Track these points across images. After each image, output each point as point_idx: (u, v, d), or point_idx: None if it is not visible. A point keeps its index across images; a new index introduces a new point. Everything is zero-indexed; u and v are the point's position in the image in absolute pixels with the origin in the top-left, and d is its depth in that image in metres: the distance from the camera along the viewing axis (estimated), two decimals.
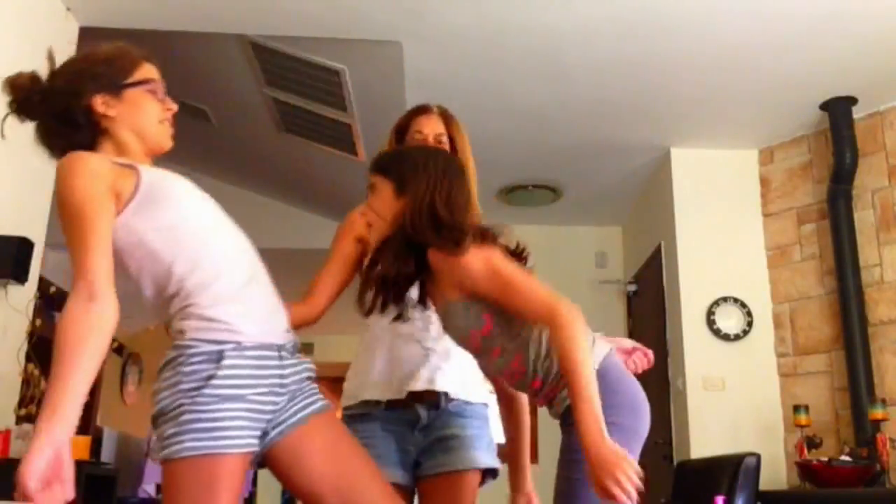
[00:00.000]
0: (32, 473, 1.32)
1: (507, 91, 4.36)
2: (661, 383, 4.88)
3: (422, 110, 2.24)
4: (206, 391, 1.49)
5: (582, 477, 1.54)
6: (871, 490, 3.76)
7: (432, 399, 2.00)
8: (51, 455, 1.34)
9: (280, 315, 1.68)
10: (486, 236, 1.68)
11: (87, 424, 4.64)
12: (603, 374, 1.60)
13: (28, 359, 3.09)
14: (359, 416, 2.05)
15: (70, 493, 1.37)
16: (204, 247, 1.61)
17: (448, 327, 1.80)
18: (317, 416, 1.65)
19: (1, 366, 3.01)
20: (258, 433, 1.56)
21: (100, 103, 1.69)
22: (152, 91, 1.74)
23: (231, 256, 1.65)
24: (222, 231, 1.68)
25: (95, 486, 3.03)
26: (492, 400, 2.08)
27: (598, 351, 1.67)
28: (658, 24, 3.72)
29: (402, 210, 1.73)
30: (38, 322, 3.17)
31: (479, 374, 2.07)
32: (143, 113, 1.72)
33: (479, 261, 1.65)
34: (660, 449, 4.76)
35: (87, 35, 3.67)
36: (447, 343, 2.01)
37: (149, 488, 4.27)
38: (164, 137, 1.76)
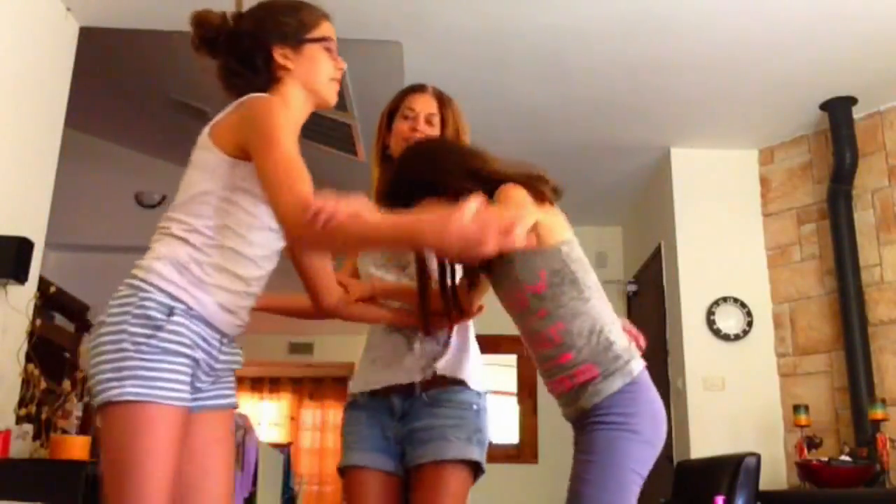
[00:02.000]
0: None
1: (507, 91, 4.36)
2: (661, 383, 4.86)
3: (415, 88, 2.20)
4: (153, 342, 1.50)
5: (594, 479, 1.58)
6: (871, 490, 3.76)
7: (404, 390, 1.97)
8: None
9: (244, 313, 1.68)
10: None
11: (86, 424, 4.64)
12: (636, 385, 1.67)
13: (28, 359, 3.09)
14: (349, 404, 2.07)
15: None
16: (255, 232, 1.62)
17: (501, 283, 1.82)
18: (220, 411, 1.68)
19: (1, 366, 3.01)
20: (190, 394, 1.56)
21: (280, 54, 1.73)
22: (328, 49, 1.78)
23: (258, 253, 1.65)
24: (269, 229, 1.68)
25: (95, 486, 3.03)
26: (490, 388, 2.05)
27: (634, 365, 1.70)
28: (658, 25, 3.73)
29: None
30: (38, 322, 3.17)
31: (470, 364, 2.03)
32: (317, 69, 1.76)
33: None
34: None
35: (87, 35, 3.67)
36: (435, 340, 2.00)
37: None
38: (331, 94, 1.80)
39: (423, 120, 2.13)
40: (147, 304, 1.52)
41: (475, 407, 1.97)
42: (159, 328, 1.51)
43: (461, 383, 1.98)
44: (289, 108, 1.66)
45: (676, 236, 4.89)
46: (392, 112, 2.20)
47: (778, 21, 3.69)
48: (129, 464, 1.47)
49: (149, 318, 1.51)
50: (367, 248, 1.49)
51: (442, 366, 1.98)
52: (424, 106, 2.15)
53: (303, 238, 1.47)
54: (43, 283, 3.45)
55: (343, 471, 2.01)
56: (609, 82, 4.24)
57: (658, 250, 5.22)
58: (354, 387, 2.07)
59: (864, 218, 4.34)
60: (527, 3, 3.57)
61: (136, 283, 1.55)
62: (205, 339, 1.59)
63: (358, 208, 1.39)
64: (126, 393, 1.47)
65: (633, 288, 5.77)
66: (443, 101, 2.17)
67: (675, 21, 3.70)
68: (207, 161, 1.63)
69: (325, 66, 1.77)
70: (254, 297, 1.69)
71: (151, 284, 1.54)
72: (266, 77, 1.74)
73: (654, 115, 4.61)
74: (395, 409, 1.97)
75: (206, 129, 1.66)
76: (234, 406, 1.74)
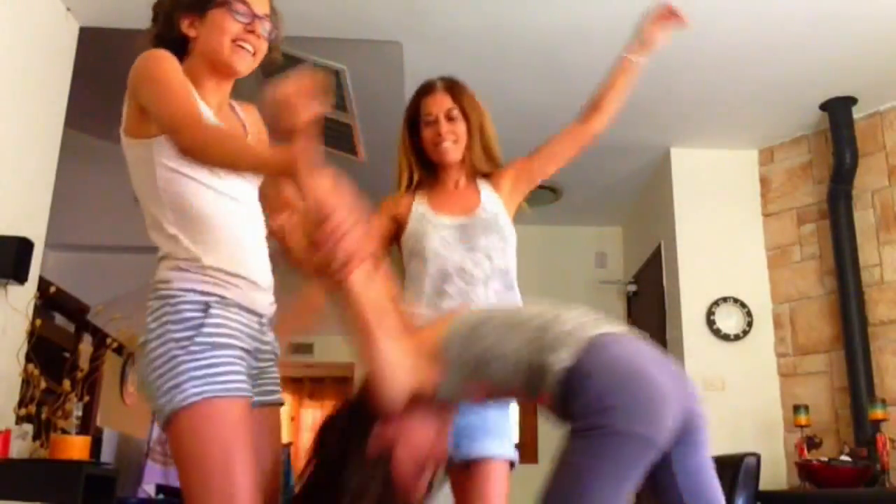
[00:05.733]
0: None
1: (507, 91, 4.35)
2: None
3: (425, 90, 2.21)
4: (199, 339, 1.48)
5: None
6: (870, 490, 3.76)
7: None
8: None
9: (267, 290, 1.68)
10: None
11: (87, 424, 4.64)
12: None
13: (28, 359, 3.08)
14: None
15: None
16: (218, 207, 1.61)
17: None
18: (267, 407, 1.67)
19: (1, 366, 3.01)
20: (249, 385, 1.56)
21: (186, 24, 1.69)
22: (235, 10, 1.68)
23: (238, 224, 1.64)
24: (241, 201, 1.67)
25: (95, 486, 3.02)
26: None
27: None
28: None
29: None
30: (38, 322, 3.17)
31: None
32: (218, 34, 1.68)
33: None
34: None
35: (87, 35, 3.67)
36: None
37: (149, 488, 4.26)
38: (235, 59, 1.69)
39: (444, 119, 2.16)
40: (182, 307, 1.51)
41: (510, 406, 2.07)
42: (201, 325, 1.50)
43: None
44: (158, 58, 1.60)
45: (676, 236, 4.89)
46: (412, 117, 2.21)
47: (778, 21, 3.69)
48: (211, 463, 1.44)
49: (188, 319, 1.50)
50: (235, 167, 1.51)
51: None
52: (440, 105, 2.17)
53: (191, 149, 1.46)
54: (43, 283, 3.45)
55: None
56: None
57: (658, 250, 5.22)
58: None
59: (864, 218, 4.34)
60: (527, 2, 3.57)
61: (164, 293, 1.54)
62: (247, 326, 1.58)
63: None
64: (189, 395, 1.46)
65: (633, 288, 5.77)
66: (455, 92, 2.19)
67: None
68: (133, 160, 1.63)
69: (228, 28, 1.68)
70: (265, 264, 1.68)
71: (178, 288, 1.53)
72: (183, 51, 1.69)
73: (654, 115, 4.61)
74: None
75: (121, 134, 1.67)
76: (280, 403, 1.71)
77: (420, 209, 2.17)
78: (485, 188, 2.21)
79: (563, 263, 5.99)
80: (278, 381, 1.72)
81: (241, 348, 1.55)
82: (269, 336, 1.68)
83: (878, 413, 3.85)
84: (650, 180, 5.40)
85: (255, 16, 1.71)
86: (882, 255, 4.26)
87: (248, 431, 1.49)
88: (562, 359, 1.40)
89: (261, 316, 1.63)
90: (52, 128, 3.53)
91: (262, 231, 1.71)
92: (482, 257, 2.07)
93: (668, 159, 5.02)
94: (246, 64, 1.71)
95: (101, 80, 4.96)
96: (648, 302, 5.42)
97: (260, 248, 1.68)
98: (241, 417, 1.49)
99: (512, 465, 2.05)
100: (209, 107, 1.66)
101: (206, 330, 1.50)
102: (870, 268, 4.27)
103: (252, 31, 1.70)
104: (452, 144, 2.17)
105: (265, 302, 1.65)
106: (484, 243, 2.08)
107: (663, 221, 5.12)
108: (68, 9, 3.56)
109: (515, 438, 6.27)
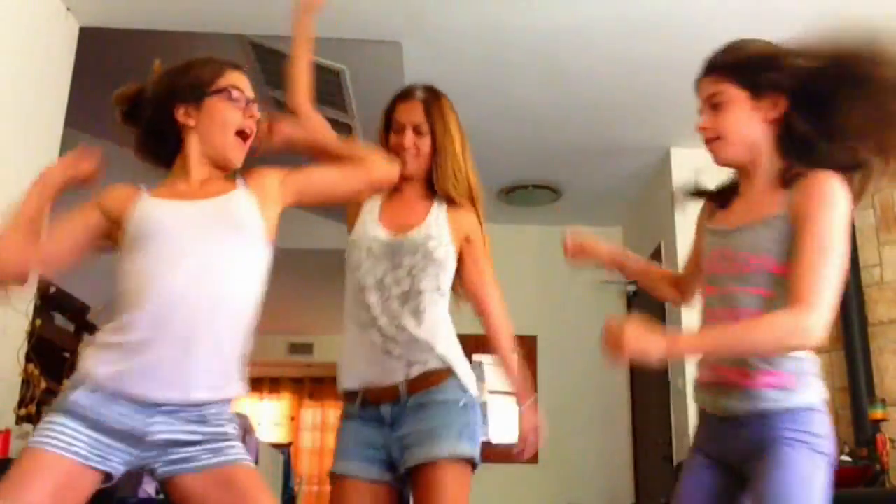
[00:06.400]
0: None
1: (507, 91, 4.36)
2: (661, 383, 4.86)
3: (403, 96, 2.17)
4: (54, 404, 1.62)
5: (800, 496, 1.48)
6: (870, 490, 3.76)
7: (389, 396, 1.98)
8: None
9: (182, 378, 1.61)
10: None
11: None
12: (824, 410, 1.62)
13: (28, 359, 3.09)
14: (342, 415, 2.10)
15: None
16: (142, 294, 1.68)
17: (738, 238, 1.65)
18: (211, 471, 1.63)
19: (1, 366, 3.01)
20: (98, 455, 1.57)
21: (182, 113, 1.69)
22: (231, 98, 1.70)
23: (157, 311, 1.63)
24: (173, 286, 1.65)
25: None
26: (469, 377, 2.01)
27: (821, 388, 1.66)
28: (658, 25, 3.73)
29: (764, 119, 1.55)
30: (38, 322, 3.17)
31: (447, 351, 2.00)
32: (221, 128, 1.69)
33: (833, 193, 1.50)
34: (660, 449, 4.74)
35: (87, 35, 3.67)
36: (405, 330, 1.99)
37: (149, 489, 4.26)
38: (233, 152, 1.71)
39: (412, 131, 2.12)
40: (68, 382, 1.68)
41: (462, 403, 1.96)
42: (63, 399, 1.62)
43: (446, 375, 1.97)
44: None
45: (676, 236, 4.89)
46: (388, 114, 2.19)
47: (777, 21, 3.68)
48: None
49: (63, 393, 1.64)
50: None
51: (422, 364, 1.97)
52: (410, 117, 2.13)
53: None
54: (43, 283, 3.45)
55: (331, 477, 2.03)
56: (609, 82, 4.24)
57: (658, 250, 5.22)
58: (344, 382, 2.10)
59: (864, 218, 4.34)
60: (527, 3, 3.58)
61: None
62: (117, 412, 1.59)
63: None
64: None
65: (632, 288, 5.77)
66: (430, 107, 2.13)
67: (675, 21, 3.70)
68: None
69: (230, 122, 1.70)
70: (200, 354, 1.62)
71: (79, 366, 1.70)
72: (174, 143, 1.71)
73: (654, 115, 4.61)
74: (384, 418, 1.98)
75: None
76: (233, 461, 1.64)
77: (369, 214, 2.13)
78: (439, 211, 2.12)
79: (564, 263, 5.95)
80: (225, 448, 1.65)
81: (93, 420, 1.57)
82: (167, 423, 1.61)
83: (878, 413, 3.85)
84: (650, 180, 5.39)
85: (248, 100, 1.74)
86: (882, 255, 4.26)
87: (53, 486, 1.51)
88: (807, 398, 1.75)
89: (154, 405, 1.59)
90: (52, 128, 3.53)
91: (207, 329, 1.64)
92: (404, 274, 2.02)
93: (668, 159, 5.01)
94: (242, 157, 1.75)
95: (101, 80, 4.97)
96: (649, 302, 5.42)
97: (197, 341, 1.62)
98: (43, 469, 1.52)
99: (471, 463, 1.93)
100: (192, 190, 1.71)
101: (59, 401, 1.61)
102: (870, 268, 4.27)
103: (251, 116, 1.73)
104: (412, 158, 2.11)
105: (165, 390, 1.59)
106: (409, 262, 2.03)
107: (663, 221, 5.11)
108: (68, 9, 3.56)
109: (515, 439, 6.25)
